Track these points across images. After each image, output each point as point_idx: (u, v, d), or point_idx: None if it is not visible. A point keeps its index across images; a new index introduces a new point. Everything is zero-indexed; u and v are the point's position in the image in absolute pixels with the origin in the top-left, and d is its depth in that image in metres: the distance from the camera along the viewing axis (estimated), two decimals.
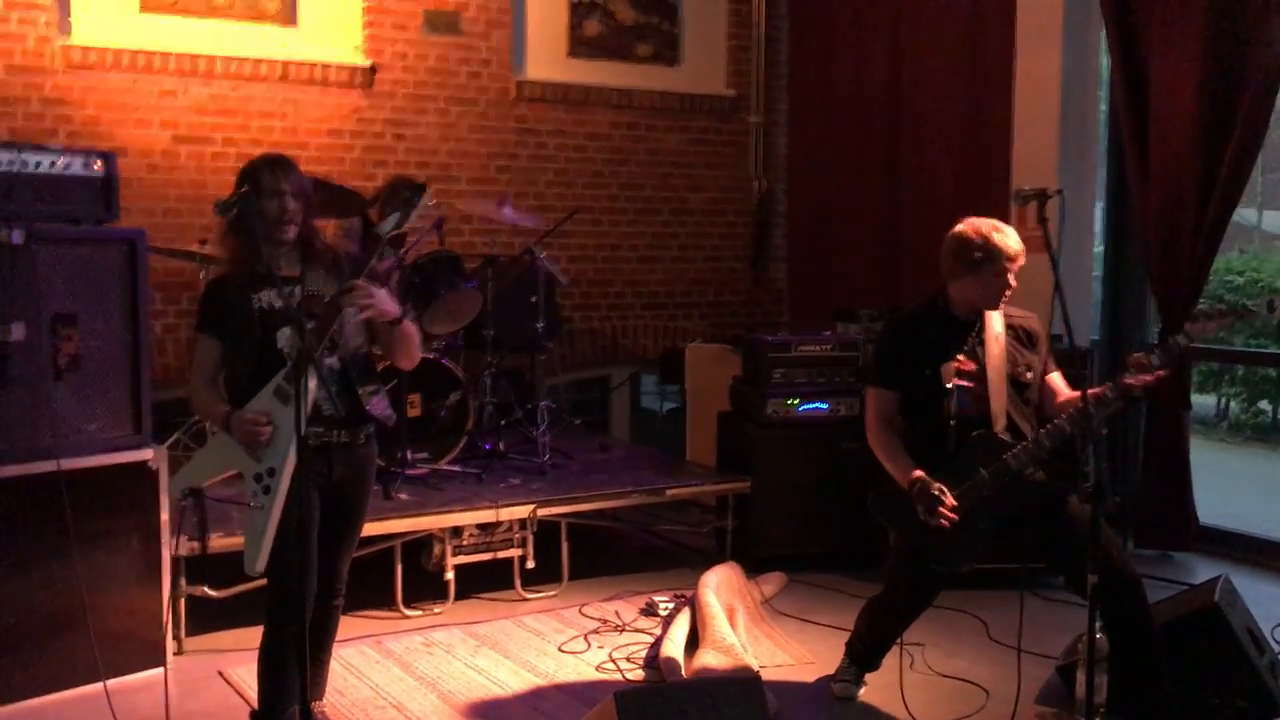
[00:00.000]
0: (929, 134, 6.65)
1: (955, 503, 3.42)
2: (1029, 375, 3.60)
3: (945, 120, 6.53)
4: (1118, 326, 6.12)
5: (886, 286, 6.86)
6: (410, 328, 3.29)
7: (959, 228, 3.58)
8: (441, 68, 6.60)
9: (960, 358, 3.56)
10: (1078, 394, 3.52)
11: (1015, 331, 3.64)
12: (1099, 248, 6.25)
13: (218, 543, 4.22)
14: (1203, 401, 9.92)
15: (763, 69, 7.62)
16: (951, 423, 3.52)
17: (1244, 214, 12.85)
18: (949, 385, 3.52)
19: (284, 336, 3.17)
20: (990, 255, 3.47)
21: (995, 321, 3.60)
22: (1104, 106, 6.10)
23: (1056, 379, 3.70)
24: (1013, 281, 3.52)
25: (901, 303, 6.45)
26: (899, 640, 3.87)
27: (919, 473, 3.47)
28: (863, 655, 3.87)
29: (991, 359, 3.55)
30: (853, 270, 7.17)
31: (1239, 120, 5.13)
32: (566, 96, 6.99)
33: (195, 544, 4.21)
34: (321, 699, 3.60)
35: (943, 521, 3.40)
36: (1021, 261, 3.51)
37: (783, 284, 7.86)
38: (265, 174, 3.17)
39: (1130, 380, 3.35)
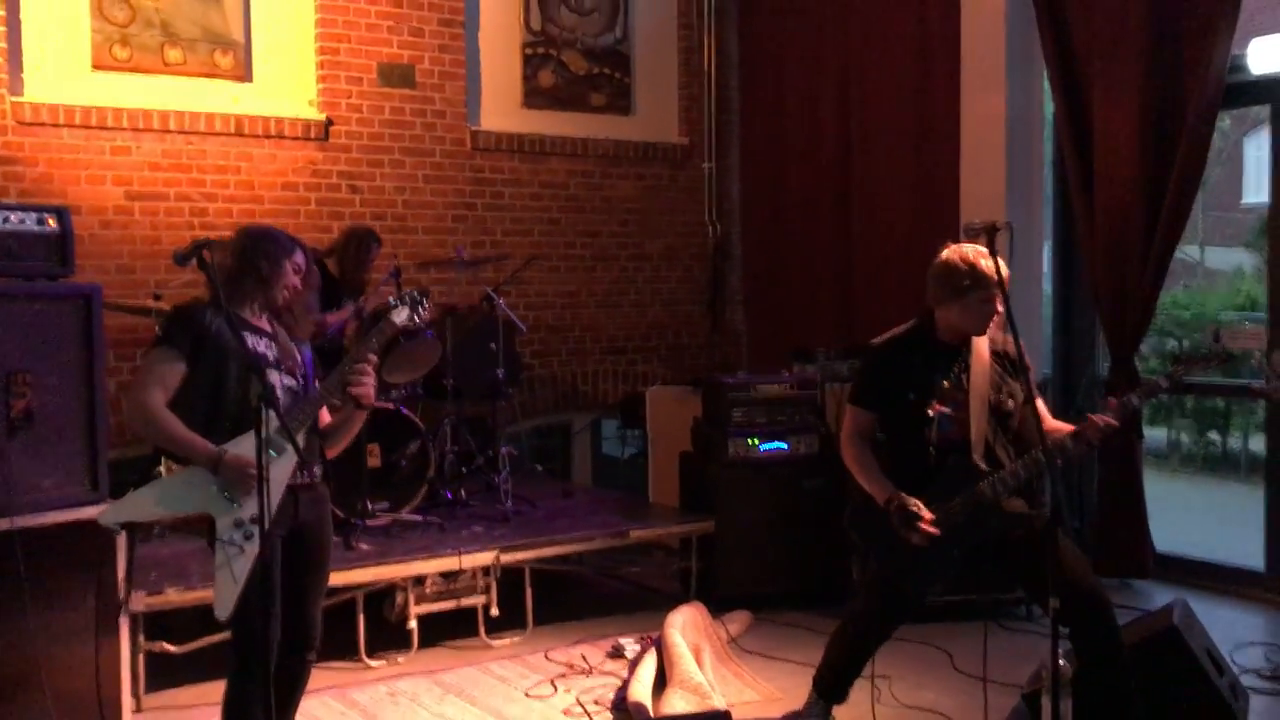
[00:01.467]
0: (879, 176, 6.76)
1: (933, 517, 3.44)
2: (1010, 404, 3.60)
3: (895, 162, 6.66)
4: (1068, 361, 6.23)
5: (842, 326, 6.94)
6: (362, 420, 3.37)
7: (945, 254, 3.57)
8: (396, 120, 6.64)
9: (945, 384, 3.58)
10: (1060, 426, 3.57)
11: (1000, 357, 3.63)
12: (1047, 287, 6.35)
13: (175, 597, 4.17)
14: (1154, 435, 10.06)
15: (714, 117, 7.74)
16: (931, 448, 3.54)
17: (1188, 251, 13.13)
18: (930, 413, 3.54)
19: (270, 381, 3.17)
20: (978, 282, 3.46)
21: (981, 347, 3.61)
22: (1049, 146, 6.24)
23: (1040, 406, 3.66)
24: (999, 307, 3.50)
25: (857, 341, 6.52)
26: (870, 675, 3.87)
27: (897, 491, 3.49)
28: (831, 686, 3.87)
29: (975, 386, 3.56)
30: (809, 311, 7.25)
31: (1179, 154, 5.27)
32: (521, 146, 7.06)
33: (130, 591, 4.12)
34: None
35: (919, 538, 3.42)
36: (1005, 287, 3.47)
37: (741, 326, 7.93)
38: (299, 253, 3.31)
39: (1094, 420, 3.41)
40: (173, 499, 3.11)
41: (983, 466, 3.53)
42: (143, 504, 3.15)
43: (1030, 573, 3.49)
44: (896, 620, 3.78)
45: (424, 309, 3.40)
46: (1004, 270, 3.40)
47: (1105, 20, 5.50)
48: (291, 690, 3.41)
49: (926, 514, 3.44)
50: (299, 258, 3.30)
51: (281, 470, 3.10)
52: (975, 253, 3.50)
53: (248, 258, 3.23)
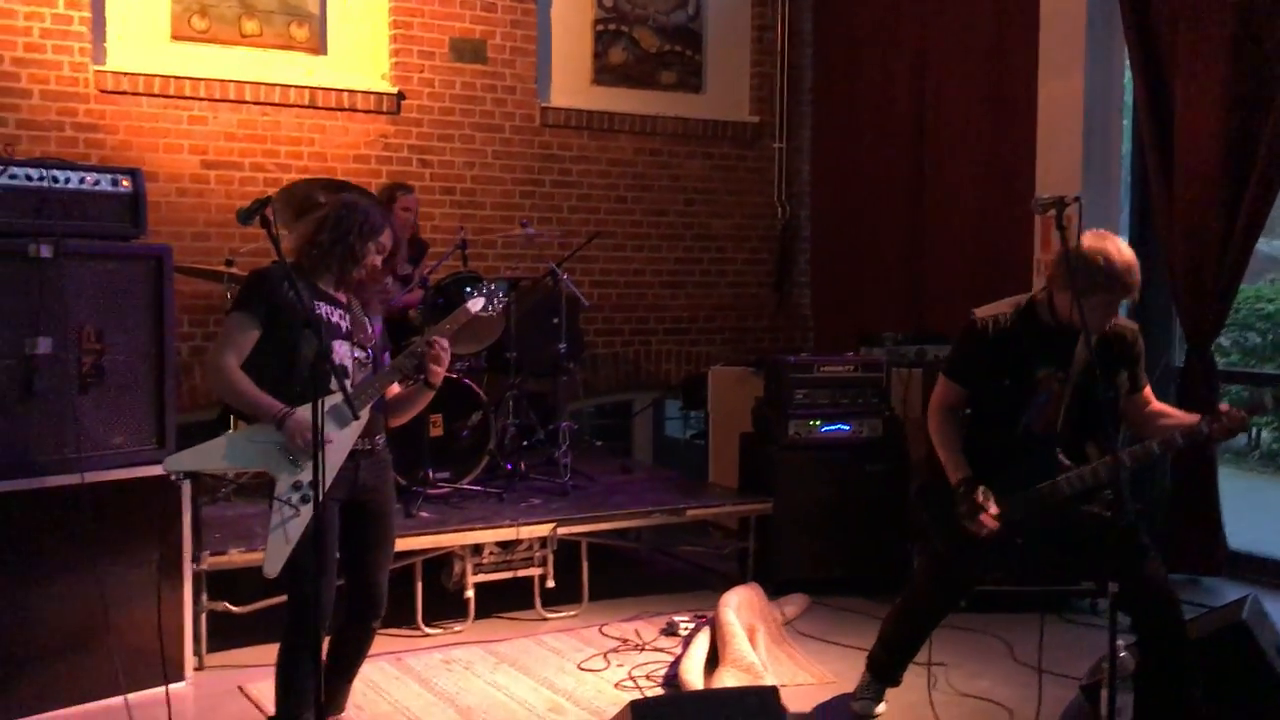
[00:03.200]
0: (952, 158, 6.65)
1: (997, 511, 3.37)
2: (1108, 395, 3.38)
3: (968, 145, 6.54)
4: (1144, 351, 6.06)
5: (911, 310, 6.84)
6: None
7: (1088, 243, 3.33)
8: (467, 95, 6.68)
9: (1043, 373, 3.45)
10: (1169, 412, 3.48)
11: (1109, 343, 3.45)
12: None
13: (238, 557, 4.24)
14: None
15: (786, 95, 7.66)
16: (1015, 436, 3.45)
17: (1275, 245, 12.75)
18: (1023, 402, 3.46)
19: (340, 351, 3.20)
20: (1108, 285, 3.29)
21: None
22: (1126, 137, 6.08)
23: (1148, 393, 3.55)
24: (1117, 312, 3.39)
25: (926, 327, 6.43)
26: (927, 661, 3.82)
27: (970, 475, 3.42)
28: (884, 668, 3.83)
29: (1074, 376, 3.43)
30: (877, 294, 7.17)
31: (1263, 145, 5.09)
32: (590, 123, 7.05)
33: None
34: (342, 713, 3.60)
35: (980, 530, 3.36)
36: (1135, 294, 3.35)
37: (807, 309, 7.86)
38: (388, 233, 3.31)
39: (1214, 426, 3.29)
40: (236, 453, 3.18)
41: (1065, 460, 3.43)
42: (207, 455, 3.20)
43: (1095, 560, 3.41)
44: (951, 603, 3.72)
45: (499, 302, 3.48)
46: (1136, 279, 3.29)
47: (1191, 1, 5.33)
48: (353, 656, 3.47)
49: (993, 508, 3.36)
50: (385, 238, 3.30)
51: (344, 439, 3.15)
52: (1116, 252, 3.29)
53: (341, 231, 3.24)
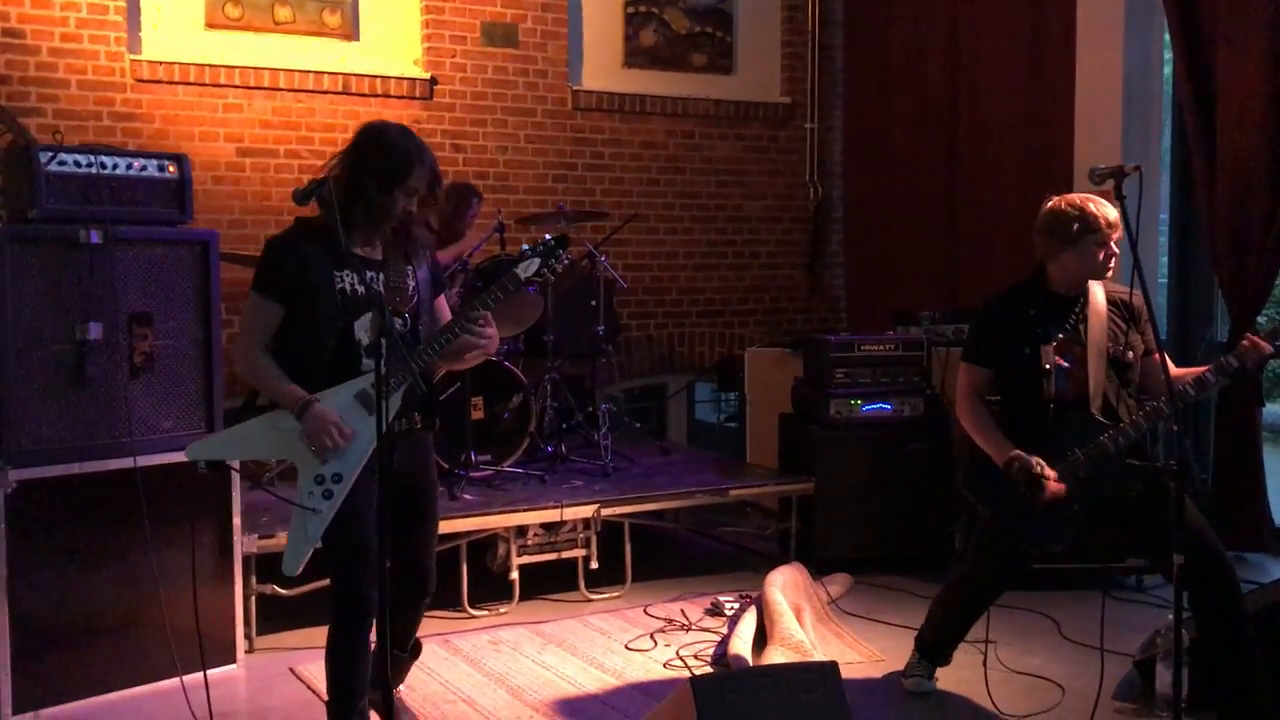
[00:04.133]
0: (987, 135, 6.60)
1: (1055, 474, 3.36)
2: (1130, 355, 3.49)
3: (1004, 122, 6.49)
4: (1185, 325, 6.03)
5: (946, 289, 6.81)
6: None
7: (1049, 205, 3.50)
8: (499, 79, 6.67)
9: (1060, 337, 3.48)
10: (1187, 370, 3.47)
11: (1117, 308, 3.52)
12: (1163, 257, 6.13)
13: (286, 540, 4.23)
14: (1276, 410, 9.68)
15: (817, 75, 7.62)
16: (1049, 404, 3.45)
17: None
18: (1047, 366, 3.46)
19: (362, 327, 2.97)
20: (1089, 225, 3.39)
21: (1098, 297, 3.51)
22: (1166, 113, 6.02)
23: (1166, 358, 3.53)
24: (1115, 249, 3.43)
25: (962, 304, 6.40)
26: (984, 638, 3.80)
27: (1016, 450, 3.41)
28: (933, 647, 3.82)
29: (1093, 338, 3.46)
30: (911, 273, 7.13)
31: None
32: (622, 106, 7.04)
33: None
34: (399, 687, 3.59)
35: (1047, 495, 3.34)
36: (1120, 230, 3.40)
37: (840, 289, 7.84)
38: (419, 172, 2.99)
39: (1246, 344, 3.31)
40: (259, 441, 3.02)
41: (1102, 420, 3.42)
42: (229, 443, 3.09)
43: (1151, 532, 3.38)
44: (1009, 582, 3.71)
45: (559, 261, 3.11)
46: (1113, 214, 3.36)
47: None
48: (402, 634, 3.40)
49: (1050, 471, 3.36)
50: (415, 180, 2.97)
51: (371, 429, 2.80)
52: (1082, 198, 3.45)
53: (356, 189, 2.94)
